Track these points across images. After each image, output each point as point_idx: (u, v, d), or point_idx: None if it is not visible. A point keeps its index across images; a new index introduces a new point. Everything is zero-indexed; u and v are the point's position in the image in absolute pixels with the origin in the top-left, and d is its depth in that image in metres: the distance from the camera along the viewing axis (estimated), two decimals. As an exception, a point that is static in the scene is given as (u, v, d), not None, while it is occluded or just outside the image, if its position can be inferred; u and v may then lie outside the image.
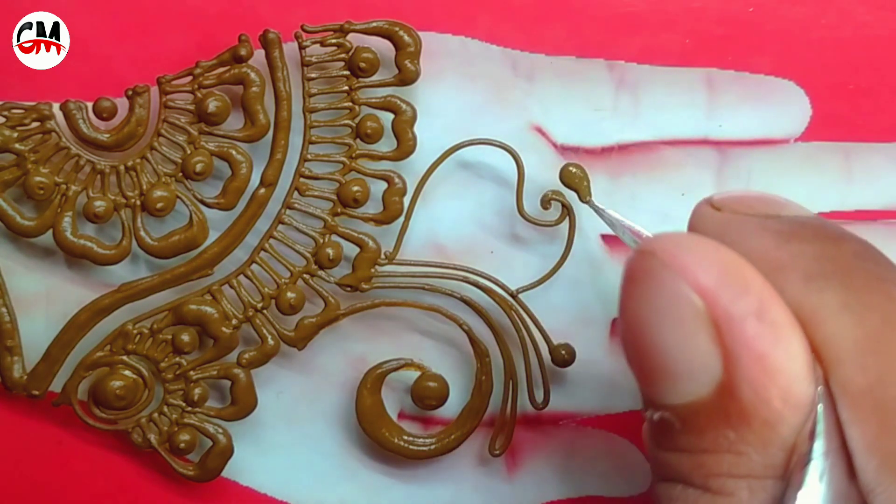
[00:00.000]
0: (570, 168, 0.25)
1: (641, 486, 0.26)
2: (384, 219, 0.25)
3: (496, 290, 0.25)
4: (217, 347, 0.25)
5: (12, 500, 0.26)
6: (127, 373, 0.25)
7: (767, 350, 0.14)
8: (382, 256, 0.25)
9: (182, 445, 0.25)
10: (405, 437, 0.25)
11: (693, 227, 0.18)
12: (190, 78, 0.24)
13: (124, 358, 0.25)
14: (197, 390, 0.25)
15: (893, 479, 0.14)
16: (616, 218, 0.22)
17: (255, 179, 0.25)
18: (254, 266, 0.25)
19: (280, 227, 0.25)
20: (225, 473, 0.25)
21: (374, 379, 0.25)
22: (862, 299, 0.15)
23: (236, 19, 0.25)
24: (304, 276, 0.25)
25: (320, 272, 0.25)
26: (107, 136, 0.24)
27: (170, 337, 0.25)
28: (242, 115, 0.25)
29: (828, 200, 0.26)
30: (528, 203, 0.25)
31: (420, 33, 0.24)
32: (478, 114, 0.25)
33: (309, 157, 0.25)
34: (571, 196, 0.25)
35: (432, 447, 0.25)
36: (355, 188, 0.25)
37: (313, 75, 0.25)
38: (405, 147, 0.25)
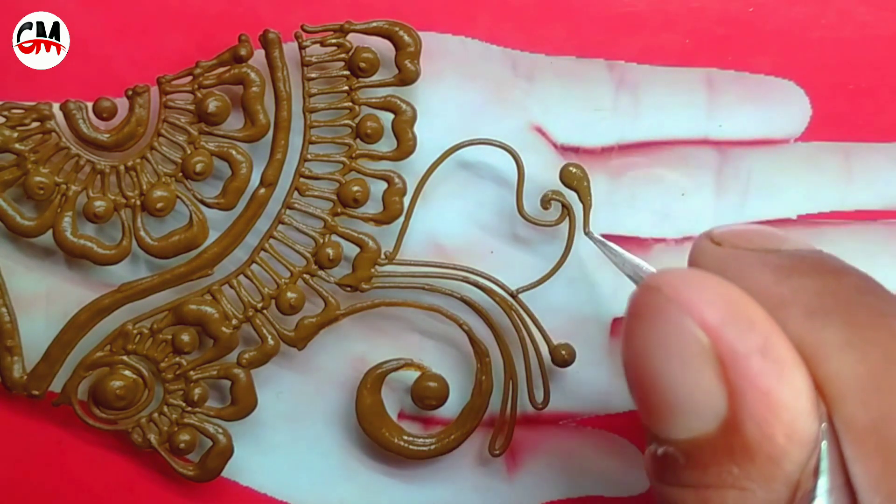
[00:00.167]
0: (570, 168, 0.25)
1: (641, 487, 0.26)
2: (384, 219, 0.25)
3: (496, 290, 0.25)
4: (217, 347, 0.25)
5: (12, 500, 0.26)
6: (127, 373, 0.25)
7: (772, 387, 0.15)
8: (382, 256, 0.25)
9: (182, 445, 0.25)
10: (405, 437, 0.25)
11: (693, 261, 0.18)
12: (190, 78, 0.24)
13: (124, 358, 0.25)
14: (197, 390, 0.25)
15: None
16: (617, 251, 0.22)
17: (255, 179, 0.25)
18: (254, 266, 0.25)
19: (280, 227, 0.25)
20: (225, 473, 0.25)
21: (374, 379, 0.25)
22: (864, 335, 0.15)
23: (236, 19, 0.25)
24: (304, 276, 0.25)
25: (320, 272, 0.25)
26: (107, 136, 0.24)
27: (170, 337, 0.25)
28: (242, 115, 0.25)
29: (828, 200, 0.26)
30: (528, 203, 0.25)
31: (420, 33, 0.24)
32: (478, 114, 0.25)
33: (309, 157, 0.25)
34: (571, 196, 0.25)
35: (432, 447, 0.25)
36: (355, 188, 0.25)
37: (313, 75, 0.25)
38: (405, 147, 0.25)
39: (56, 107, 0.24)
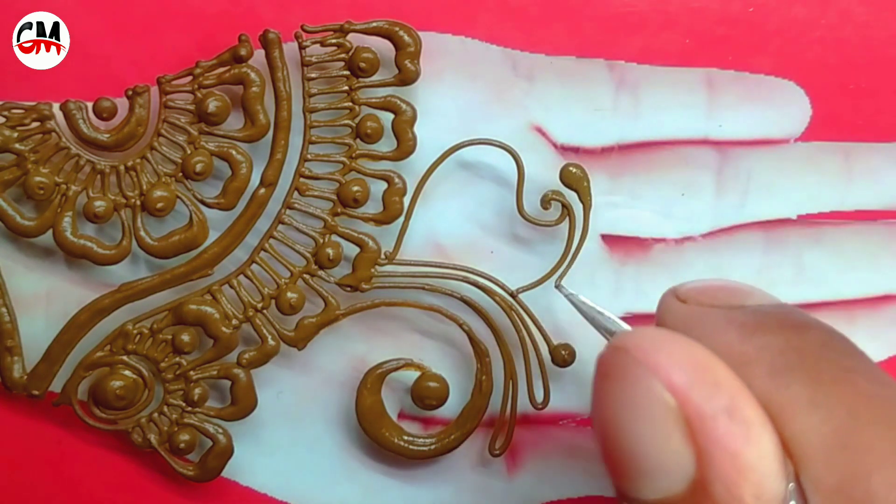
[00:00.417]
0: (570, 168, 0.25)
1: (641, 486, 0.26)
2: (384, 219, 0.25)
3: (496, 290, 0.25)
4: (217, 347, 0.25)
5: (12, 500, 0.26)
6: (127, 373, 0.25)
7: (739, 448, 0.15)
8: (382, 256, 0.25)
9: (182, 445, 0.25)
10: (405, 437, 0.25)
11: (660, 319, 0.18)
12: (190, 78, 0.24)
13: (124, 358, 0.25)
14: (197, 390, 0.25)
15: None
16: (589, 305, 0.21)
17: (255, 179, 0.25)
18: (254, 266, 0.25)
19: (280, 227, 0.25)
20: (225, 473, 0.25)
21: (374, 379, 0.25)
22: (828, 392, 0.15)
23: (236, 19, 0.25)
24: (304, 276, 0.25)
25: (320, 272, 0.25)
26: (107, 136, 0.24)
27: (170, 337, 0.25)
28: (242, 115, 0.25)
29: (828, 200, 0.26)
30: (528, 203, 0.25)
31: (420, 33, 0.24)
32: (478, 114, 0.25)
33: (309, 157, 0.25)
34: (571, 196, 0.25)
35: (432, 447, 0.25)
36: (355, 188, 0.25)
37: (313, 75, 0.25)
38: (405, 147, 0.25)
39: (56, 107, 0.24)
